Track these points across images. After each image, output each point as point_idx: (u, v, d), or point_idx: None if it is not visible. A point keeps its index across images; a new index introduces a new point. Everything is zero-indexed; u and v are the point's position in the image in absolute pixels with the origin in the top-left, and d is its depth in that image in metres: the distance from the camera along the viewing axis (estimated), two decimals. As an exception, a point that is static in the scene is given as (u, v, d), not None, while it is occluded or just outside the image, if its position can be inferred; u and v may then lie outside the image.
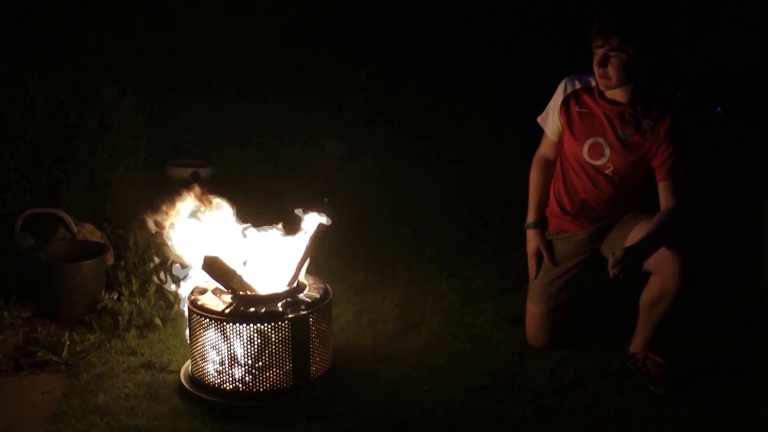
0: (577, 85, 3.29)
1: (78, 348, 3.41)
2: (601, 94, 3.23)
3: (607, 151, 3.22)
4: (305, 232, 3.23)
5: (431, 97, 7.81)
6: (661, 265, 3.06)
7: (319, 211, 3.24)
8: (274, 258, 3.25)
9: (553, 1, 7.99)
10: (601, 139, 3.22)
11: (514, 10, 8.23)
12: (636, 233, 3.16)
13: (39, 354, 3.33)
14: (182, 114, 6.49)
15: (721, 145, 6.68)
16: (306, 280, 3.22)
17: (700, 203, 4.99)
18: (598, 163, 3.25)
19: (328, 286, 3.24)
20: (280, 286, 3.13)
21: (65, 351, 3.35)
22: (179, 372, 3.20)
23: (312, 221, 3.22)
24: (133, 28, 6.62)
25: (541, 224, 3.49)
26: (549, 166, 3.47)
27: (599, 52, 3.08)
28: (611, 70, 3.08)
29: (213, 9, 7.46)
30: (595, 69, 3.13)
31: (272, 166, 6.02)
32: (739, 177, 5.94)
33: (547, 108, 3.41)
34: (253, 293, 3.06)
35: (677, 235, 3.07)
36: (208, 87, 6.84)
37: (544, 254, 3.47)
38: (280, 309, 2.98)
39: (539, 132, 3.49)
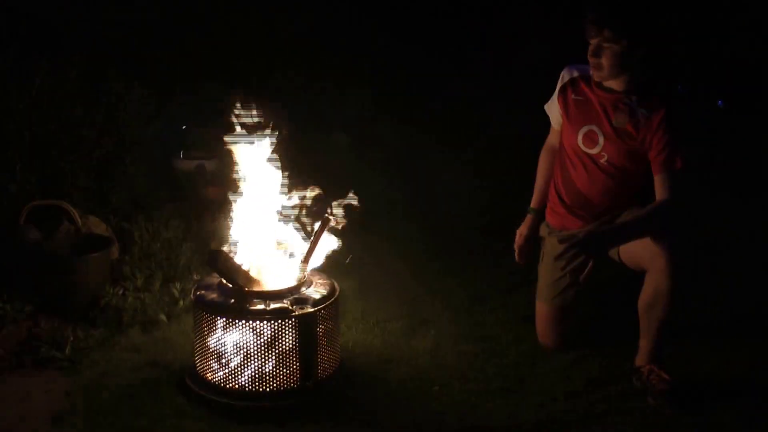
0: (575, 74, 3.31)
1: (81, 344, 3.35)
2: (598, 82, 3.23)
3: (601, 140, 3.20)
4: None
5: (440, 92, 7.74)
6: (651, 261, 2.97)
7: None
8: (281, 253, 3.20)
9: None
10: (594, 127, 3.21)
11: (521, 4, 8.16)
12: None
13: (42, 350, 3.28)
14: (188, 106, 6.42)
15: (721, 139, 6.59)
16: (313, 276, 3.16)
17: (701, 197, 4.93)
18: (593, 151, 3.23)
19: (335, 283, 3.17)
20: (287, 282, 3.07)
21: (68, 347, 3.29)
22: (184, 371, 3.14)
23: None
24: (140, 20, 6.58)
25: (538, 213, 3.51)
26: (556, 154, 3.48)
27: (593, 42, 3.10)
28: (604, 60, 3.10)
29: (220, 3, 7.42)
30: (589, 59, 3.15)
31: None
32: (740, 170, 5.87)
33: (552, 96, 3.42)
34: (259, 289, 2.99)
35: (668, 229, 2.97)
36: (214, 80, 6.78)
37: (521, 236, 3.50)
38: (287, 306, 2.91)
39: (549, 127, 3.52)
